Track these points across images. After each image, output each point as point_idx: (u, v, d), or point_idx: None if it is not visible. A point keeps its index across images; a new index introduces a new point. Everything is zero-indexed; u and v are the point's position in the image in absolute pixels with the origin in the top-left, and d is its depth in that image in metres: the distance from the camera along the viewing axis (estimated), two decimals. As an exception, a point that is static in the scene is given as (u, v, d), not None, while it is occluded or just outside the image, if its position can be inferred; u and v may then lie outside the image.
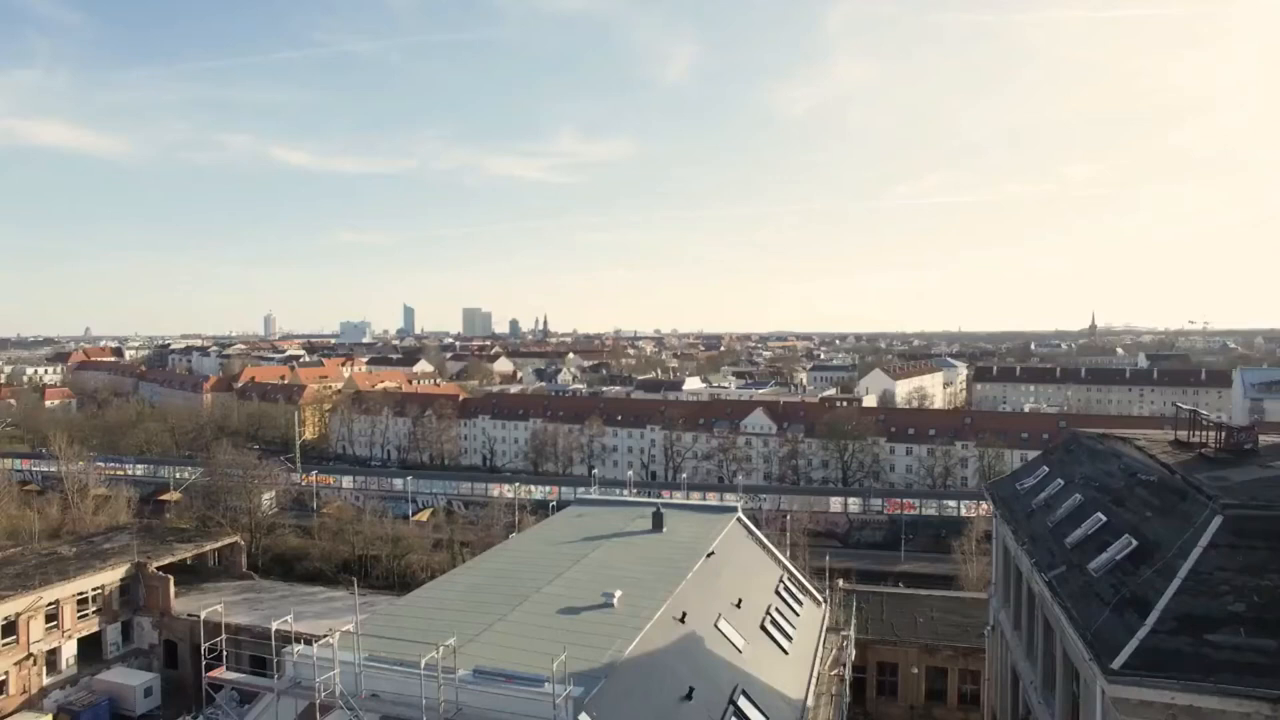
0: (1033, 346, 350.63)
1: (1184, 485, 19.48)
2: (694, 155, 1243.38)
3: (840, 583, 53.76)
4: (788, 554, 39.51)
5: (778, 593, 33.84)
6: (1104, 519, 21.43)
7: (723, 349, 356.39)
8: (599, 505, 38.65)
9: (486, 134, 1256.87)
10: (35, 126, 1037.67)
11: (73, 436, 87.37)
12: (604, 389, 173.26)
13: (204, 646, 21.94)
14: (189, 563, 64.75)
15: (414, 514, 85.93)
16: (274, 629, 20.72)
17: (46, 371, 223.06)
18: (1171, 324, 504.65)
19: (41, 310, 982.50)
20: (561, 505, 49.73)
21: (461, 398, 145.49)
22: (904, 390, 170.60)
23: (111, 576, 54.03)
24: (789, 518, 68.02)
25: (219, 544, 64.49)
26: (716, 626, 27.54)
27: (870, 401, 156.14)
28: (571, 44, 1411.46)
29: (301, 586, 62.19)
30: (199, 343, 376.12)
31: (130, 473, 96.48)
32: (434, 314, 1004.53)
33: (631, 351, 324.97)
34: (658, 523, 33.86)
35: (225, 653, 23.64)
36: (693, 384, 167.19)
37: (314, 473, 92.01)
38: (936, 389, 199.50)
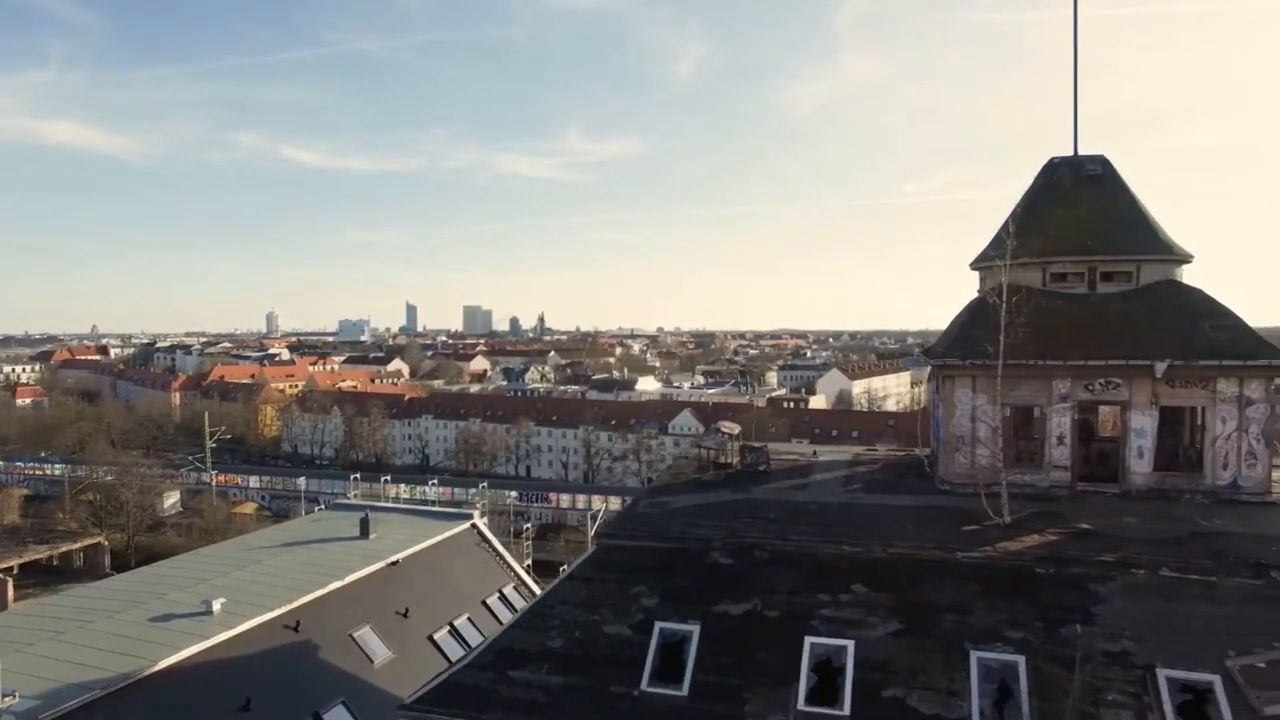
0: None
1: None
2: (702, 153, 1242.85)
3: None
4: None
5: (485, 603, 33.88)
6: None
7: (714, 346, 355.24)
8: (347, 510, 38.98)
9: (496, 132, 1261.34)
10: (48, 126, 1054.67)
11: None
12: (563, 388, 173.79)
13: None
14: (55, 563, 65.95)
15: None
16: None
17: (26, 370, 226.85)
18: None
19: (50, 308, 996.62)
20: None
21: (407, 397, 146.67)
22: (860, 390, 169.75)
23: (-53, 577, 54.98)
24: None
25: (79, 544, 65.59)
26: (352, 636, 27.75)
27: (820, 402, 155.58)
28: (581, 42, 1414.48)
29: (160, 586, 63.08)
30: (201, 340, 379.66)
31: (48, 472, 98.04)
32: (437, 312, 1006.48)
33: (618, 350, 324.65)
34: (364, 529, 34.13)
35: None
36: (647, 384, 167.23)
37: (215, 471, 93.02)
38: (903, 389, 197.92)
